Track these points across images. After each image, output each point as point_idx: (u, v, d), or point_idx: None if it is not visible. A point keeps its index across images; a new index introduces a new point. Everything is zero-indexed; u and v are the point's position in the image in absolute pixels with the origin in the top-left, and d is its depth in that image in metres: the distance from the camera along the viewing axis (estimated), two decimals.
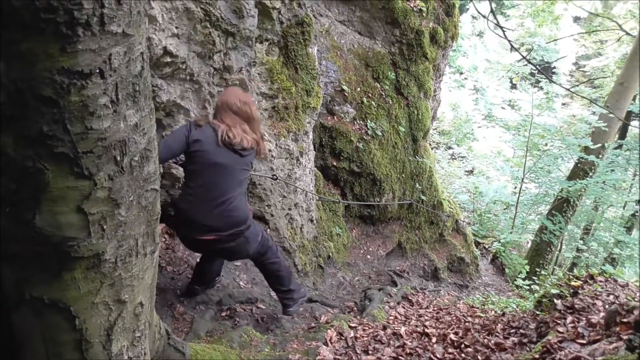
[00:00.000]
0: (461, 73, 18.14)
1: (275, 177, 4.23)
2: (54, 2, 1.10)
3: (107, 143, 1.32)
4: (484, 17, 4.36)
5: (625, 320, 2.49)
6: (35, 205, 1.29)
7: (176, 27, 3.12)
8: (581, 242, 11.31)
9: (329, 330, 3.44)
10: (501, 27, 4.65)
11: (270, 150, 4.42)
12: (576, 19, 19.83)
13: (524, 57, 5.64)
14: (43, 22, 1.11)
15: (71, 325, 1.47)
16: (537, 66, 13.53)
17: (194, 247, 3.31)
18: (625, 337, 2.31)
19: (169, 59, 3.14)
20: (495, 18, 4.56)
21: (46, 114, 1.20)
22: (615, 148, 10.92)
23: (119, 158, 1.37)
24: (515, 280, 7.74)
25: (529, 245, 11.52)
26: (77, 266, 1.40)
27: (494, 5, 18.97)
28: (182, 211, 3.00)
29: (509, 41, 4.63)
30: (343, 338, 3.40)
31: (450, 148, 16.78)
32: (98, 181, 1.34)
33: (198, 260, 3.69)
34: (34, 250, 1.36)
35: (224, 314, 3.60)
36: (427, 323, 3.97)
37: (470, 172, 15.44)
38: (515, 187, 12.61)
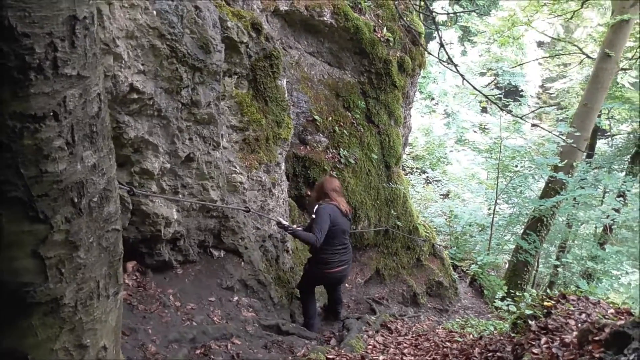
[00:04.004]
0: (432, 99, 18.48)
1: (247, 209, 4.21)
2: (5, 47, 1.10)
3: (63, 185, 1.30)
4: (431, 54, 4.58)
5: (597, 338, 2.51)
6: None
7: (142, 64, 3.12)
8: (554, 258, 11.44)
9: None
10: (454, 64, 4.84)
11: (241, 183, 4.41)
12: (540, 44, 20.57)
13: (475, 88, 5.83)
14: None
15: None
16: (496, 95, 13.91)
17: (331, 279, 4.88)
18: (597, 356, 2.33)
19: (135, 96, 3.13)
20: (447, 53, 4.75)
21: None
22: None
23: (76, 200, 1.35)
24: (494, 301, 7.76)
25: (507, 265, 11.61)
26: (34, 312, 1.36)
27: (460, 33, 19.49)
28: (328, 261, 4.67)
29: (462, 75, 4.84)
30: None
31: (424, 172, 16.94)
32: (54, 224, 1.31)
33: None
34: None
35: (198, 351, 3.50)
36: (405, 351, 3.94)
37: (446, 195, 15.56)
38: (490, 209, 12.78)
